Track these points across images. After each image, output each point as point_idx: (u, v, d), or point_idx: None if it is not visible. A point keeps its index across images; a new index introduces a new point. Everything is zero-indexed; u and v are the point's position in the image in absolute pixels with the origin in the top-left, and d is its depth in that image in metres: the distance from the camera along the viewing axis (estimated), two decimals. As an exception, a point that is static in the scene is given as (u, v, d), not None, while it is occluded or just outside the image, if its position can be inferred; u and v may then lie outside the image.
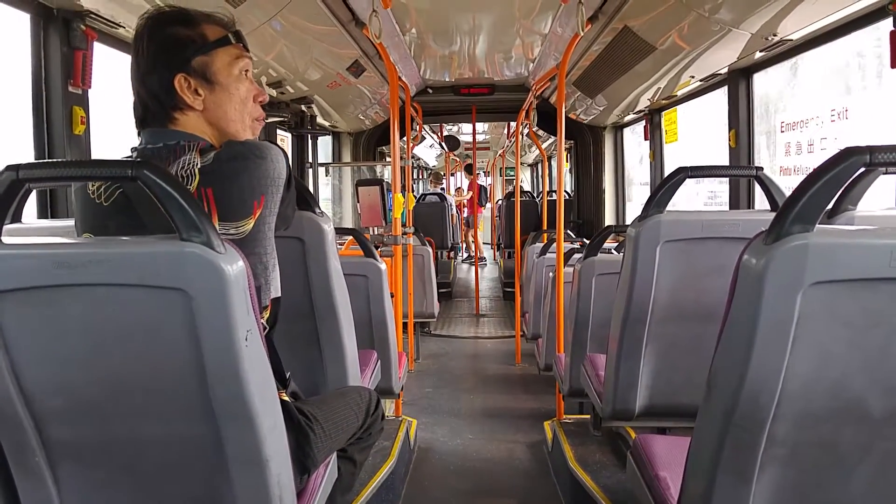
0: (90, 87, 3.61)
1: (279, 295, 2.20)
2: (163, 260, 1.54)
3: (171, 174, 1.58)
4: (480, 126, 15.56)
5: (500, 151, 18.85)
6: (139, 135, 2.08)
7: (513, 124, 10.77)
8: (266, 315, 2.14)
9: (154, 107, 2.03)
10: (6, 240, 1.59)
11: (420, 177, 21.42)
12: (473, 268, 12.68)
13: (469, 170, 16.93)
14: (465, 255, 18.67)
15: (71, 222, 3.09)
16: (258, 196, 2.01)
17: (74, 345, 1.64)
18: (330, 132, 9.46)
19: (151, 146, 2.01)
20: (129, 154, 2.04)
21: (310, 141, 7.81)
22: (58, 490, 1.81)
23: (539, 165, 19.73)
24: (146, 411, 1.73)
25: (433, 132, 13.82)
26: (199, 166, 1.95)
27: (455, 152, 17.12)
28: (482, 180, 23.58)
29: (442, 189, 14.35)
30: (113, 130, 4.08)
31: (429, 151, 18.55)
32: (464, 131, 15.48)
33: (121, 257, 1.54)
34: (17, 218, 2.77)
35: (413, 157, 12.29)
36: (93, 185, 1.99)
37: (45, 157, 3.48)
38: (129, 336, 1.63)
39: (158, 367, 1.66)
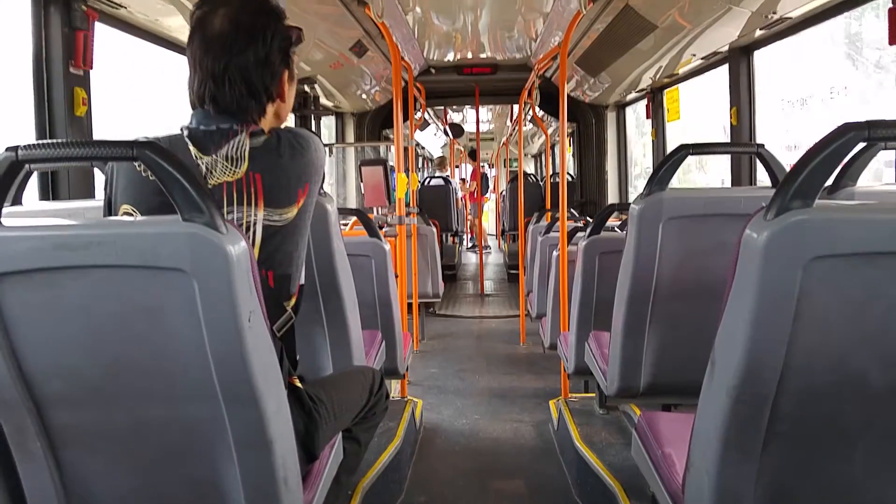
0: (91, 67, 3.60)
1: (303, 282, 2.23)
2: (164, 241, 1.54)
3: (172, 154, 1.57)
4: (484, 115, 15.52)
5: (503, 140, 18.81)
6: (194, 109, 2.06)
7: (516, 109, 10.75)
8: (292, 302, 2.15)
9: (245, 99, 2.01)
10: (6, 222, 1.59)
11: (424, 165, 21.38)
12: (478, 254, 12.67)
13: (473, 156, 16.87)
14: (470, 243, 18.70)
15: (73, 204, 3.11)
16: (303, 184, 2.04)
17: (75, 327, 1.64)
18: (333, 113, 9.45)
19: (204, 128, 2.00)
20: (179, 132, 2.02)
21: (313, 121, 7.80)
22: (60, 474, 1.81)
23: (542, 156, 19.71)
24: (148, 394, 1.72)
25: (437, 117, 13.80)
26: (247, 149, 1.97)
27: (459, 140, 17.09)
28: (485, 171, 23.56)
29: (447, 174, 14.32)
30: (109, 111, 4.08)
31: (433, 141, 18.53)
32: (468, 120, 15.45)
33: (122, 238, 1.54)
34: (17, 201, 2.78)
35: (417, 146, 12.27)
36: None
37: (45, 138, 3.46)
38: (131, 318, 1.62)
39: (160, 348, 1.65)
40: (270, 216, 1.97)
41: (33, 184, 3.47)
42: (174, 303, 1.58)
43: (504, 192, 14.54)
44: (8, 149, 1.55)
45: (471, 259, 16.12)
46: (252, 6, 2.03)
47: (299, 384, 2.14)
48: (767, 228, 1.48)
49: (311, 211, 2.13)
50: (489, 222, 20.85)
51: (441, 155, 17.44)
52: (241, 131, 1.99)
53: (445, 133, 14.77)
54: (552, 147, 15.00)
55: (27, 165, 1.58)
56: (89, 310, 1.61)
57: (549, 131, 11.70)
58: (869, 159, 2.44)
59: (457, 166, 18.78)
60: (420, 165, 19.91)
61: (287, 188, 2.01)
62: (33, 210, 2.88)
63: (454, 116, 15.24)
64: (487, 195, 19.97)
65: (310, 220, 2.15)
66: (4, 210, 1.61)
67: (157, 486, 1.86)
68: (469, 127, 15.17)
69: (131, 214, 1.96)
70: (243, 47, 1.98)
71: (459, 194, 15.05)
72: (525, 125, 10.69)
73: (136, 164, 1.95)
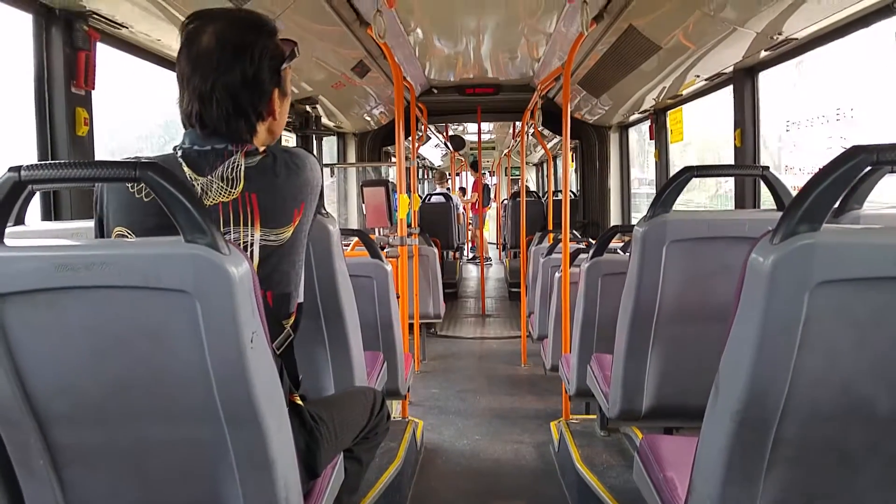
0: (93, 88, 3.59)
1: (302, 300, 2.22)
2: (167, 262, 1.53)
3: (174, 175, 1.56)
4: (486, 125, 15.53)
5: (505, 151, 18.81)
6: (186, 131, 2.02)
7: (518, 123, 10.78)
8: (290, 321, 2.14)
9: (233, 119, 1.97)
10: (9, 242, 1.58)
11: (425, 176, 21.36)
12: (479, 268, 12.67)
13: (475, 167, 16.87)
14: (471, 255, 18.66)
15: (74, 224, 3.10)
16: (299, 204, 2.03)
17: (78, 347, 1.63)
18: (335, 133, 9.45)
19: (198, 148, 1.97)
20: (172, 152, 1.99)
21: (315, 142, 7.81)
22: (63, 493, 1.81)
23: (544, 165, 19.71)
24: (151, 414, 1.72)
25: (438, 131, 13.82)
26: (243, 169, 1.95)
27: (460, 152, 17.10)
28: (487, 180, 23.51)
29: (447, 189, 14.30)
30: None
31: (434, 151, 18.51)
32: (469, 130, 15.45)
33: (124, 259, 1.53)
34: (20, 220, 2.77)
35: (418, 157, 12.26)
36: None
37: (47, 159, 3.46)
38: (134, 338, 1.62)
39: (163, 369, 1.65)
40: (267, 236, 1.96)
41: (35, 203, 3.46)
42: (177, 324, 1.58)
43: (506, 202, 14.52)
44: (10, 169, 1.55)
45: (472, 273, 16.12)
46: (241, 23, 2.00)
47: (300, 402, 2.13)
48: (774, 252, 1.48)
49: (307, 230, 2.12)
50: (490, 231, 20.83)
51: (441, 168, 17.43)
52: (236, 151, 1.97)
53: (446, 146, 14.78)
54: (554, 159, 15.00)
55: (30, 186, 1.57)
56: (92, 330, 1.61)
57: (550, 146, 11.70)
58: (876, 182, 2.43)
59: (457, 174, 18.78)
60: (421, 177, 19.90)
61: (283, 208, 1.99)
62: (36, 230, 2.87)
63: (455, 128, 15.24)
64: (489, 205, 19.97)
65: (306, 238, 2.14)
66: (7, 230, 1.60)
67: (158, 505, 1.86)
68: (470, 137, 15.19)
69: (126, 237, 1.94)
70: (230, 65, 1.94)
71: (461, 209, 15.05)
72: (527, 138, 10.69)
73: (128, 185, 1.94)
